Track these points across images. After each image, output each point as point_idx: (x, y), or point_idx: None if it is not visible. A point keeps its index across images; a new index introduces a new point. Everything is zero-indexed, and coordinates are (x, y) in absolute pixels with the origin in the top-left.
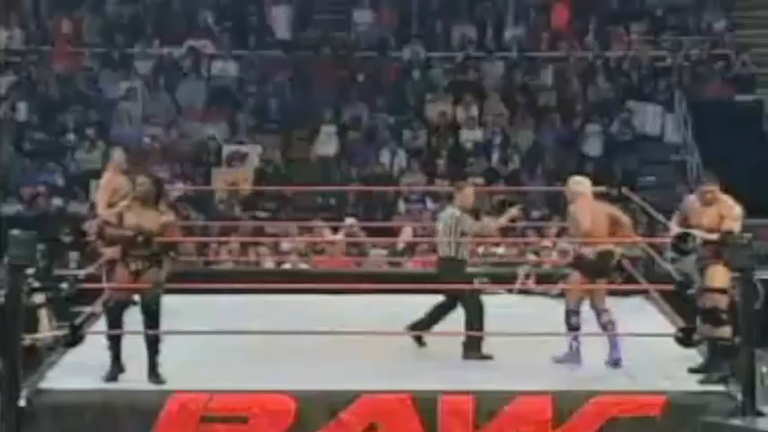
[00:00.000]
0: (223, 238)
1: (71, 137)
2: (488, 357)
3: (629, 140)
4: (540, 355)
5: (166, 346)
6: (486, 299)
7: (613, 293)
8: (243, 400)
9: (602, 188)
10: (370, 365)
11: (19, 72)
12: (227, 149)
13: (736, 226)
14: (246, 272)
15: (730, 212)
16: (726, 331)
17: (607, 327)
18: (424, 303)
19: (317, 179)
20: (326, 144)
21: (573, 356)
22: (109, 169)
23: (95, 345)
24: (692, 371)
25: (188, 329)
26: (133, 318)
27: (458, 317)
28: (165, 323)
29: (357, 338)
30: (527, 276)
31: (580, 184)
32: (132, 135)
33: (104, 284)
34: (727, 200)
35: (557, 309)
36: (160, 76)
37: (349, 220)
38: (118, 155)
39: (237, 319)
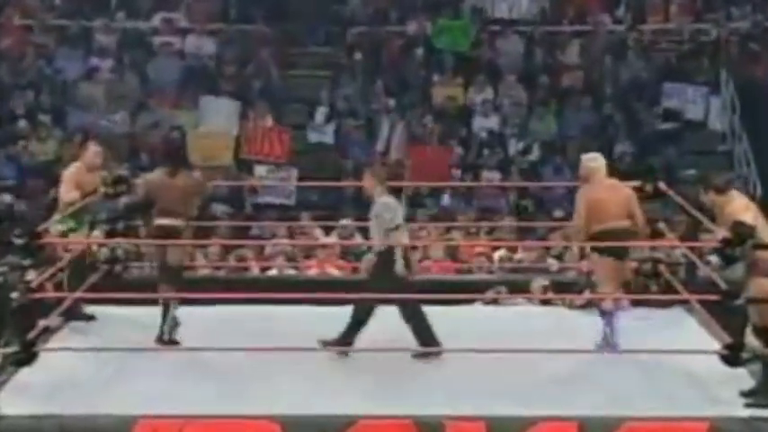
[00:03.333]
0: (202, 242)
1: (22, 124)
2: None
3: (667, 128)
4: (560, 375)
5: (132, 364)
6: (502, 310)
7: (649, 304)
8: (221, 427)
9: (635, 183)
10: (367, 386)
11: None
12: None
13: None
14: (227, 279)
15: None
16: None
17: (604, 315)
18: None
19: (306, 172)
20: (318, 132)
21: (606, 342)
22: (79, 162)
23: (51, 364)
24: (742, 394)
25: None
26: (96, 337)
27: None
28: (136, 338)
29: (352, 354)
30: (545, 290)
31: (594, 161)
32: (94, 122)
33: (64, 294)
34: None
35: (580, 321)
36: (126, 54)
37: (344, 221)
38: (93, 152)
39: (216, 332)
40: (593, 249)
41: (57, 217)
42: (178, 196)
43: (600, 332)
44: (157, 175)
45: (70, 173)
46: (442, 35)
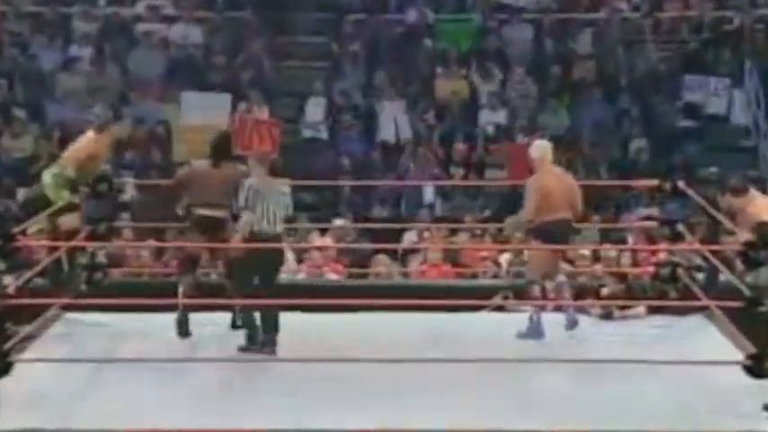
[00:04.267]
0: (185, 244)
1: None
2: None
3: (687, 123)
4: (572, 386)
5: (113, 377)
6: (510, 317)
7: (667, 311)
8: None
9: (652, 182)
10: (361, 399)
11: None
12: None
13: None
14: (214, 284)
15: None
16: None
17: (560, 290)
18: (431, 321)
19: (300, 169)
20: (312, 127)
21: (534, 329)
22: (100, 134)
23: (29, 374)
24: (766, 407)
25: (145, 356)
26: (75, 346)
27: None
28: (117, 347)
29: (347, 366)
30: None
31: (543, 148)
32: (73, 116)
33: (43, 300)
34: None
35: (598, 329)
36: (107, 43)
37: (340, 221)
38: (121, 129)
39: (202, 341)
40: (536, 238)
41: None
42: (220, 187)
43: (531, 320)
44: (202, 164)
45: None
46: (444, 34)
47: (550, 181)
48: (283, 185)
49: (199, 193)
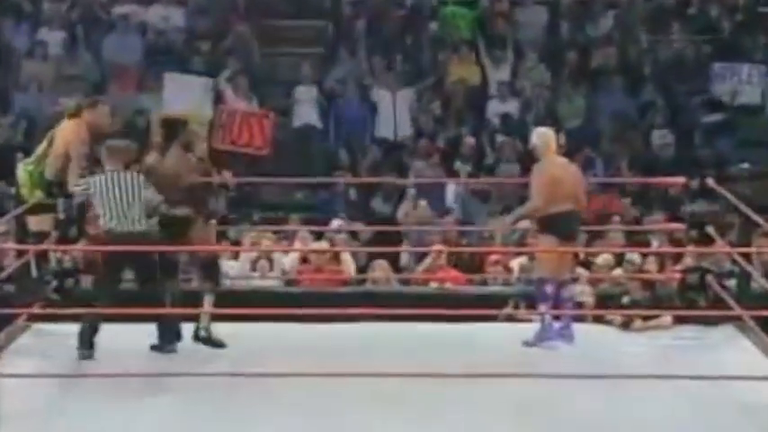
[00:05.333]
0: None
1: None
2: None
3: (718, 114)
4: (594, 403)
5: (82, 392)
6: (522, 327)
7: (695, 321)
8: None
9: (678, 179)
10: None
11: None
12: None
13: None
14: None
15: None
16: None
17: (566, 305)
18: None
19: (291, 165)
20: (305, 118)
21: (543, 334)
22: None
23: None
24: None
25: (118, 370)
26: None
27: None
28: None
29: (345, 382)
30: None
31: (546, 136)
32: (41, 106)
33: (8, 310)
34: None
35: (619, 340)
36: (79, 27)
37: (336, 222)
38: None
39: (185, 354)
40: (544, 232)
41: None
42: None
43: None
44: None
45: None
46: (449, 18)
47: (556, 170)
48: (136, 177)
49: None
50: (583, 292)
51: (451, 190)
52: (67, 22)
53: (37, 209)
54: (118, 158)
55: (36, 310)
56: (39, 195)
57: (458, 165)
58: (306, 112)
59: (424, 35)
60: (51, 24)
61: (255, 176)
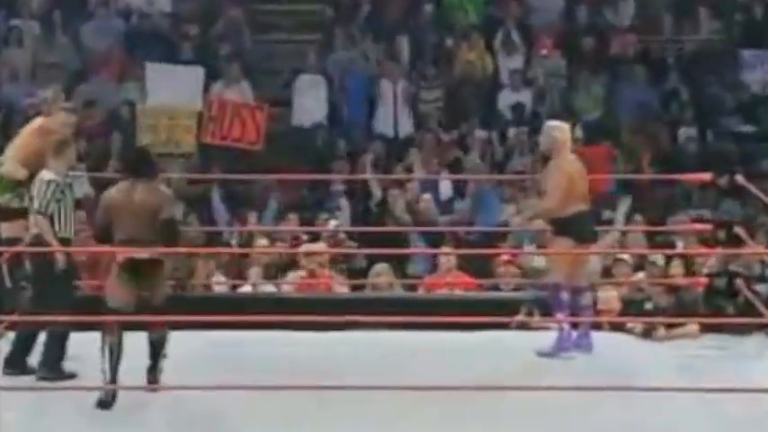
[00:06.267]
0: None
1: None
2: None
3: (746, 106)
4: (615, 417)
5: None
6: (535, 336)
7: (724, 329)
8: None
9: (704, 176)
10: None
11: None
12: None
13: None
14: (188, 299)
15: None
16: None
17: (584, 312)
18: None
19: (289, 160)
20: (301, 110)
21: (560, 344)
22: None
23: None
24: None
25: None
26: None
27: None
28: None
29: (347, 394)
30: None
31: (561, 130)
32: (17, 97)
33: None
34: None
35: (641, 350)
36: (56, 12)
37: (334, 222)
38: (63, 120)
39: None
40: (558, 234)
41: None
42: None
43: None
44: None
45: (25, 139)
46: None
47: (573, 168)
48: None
49: (118, 227)
50: (608, 298)
51: (447, 185)
52: (44, 8)
53: (9, 215)
54: (65, 155)
55: (12, 317)
56: (7, 198)
57: (466, 159)
58: (302, 105)
59: (429, 20)
60: (27, 11)
61: (247, 173)
